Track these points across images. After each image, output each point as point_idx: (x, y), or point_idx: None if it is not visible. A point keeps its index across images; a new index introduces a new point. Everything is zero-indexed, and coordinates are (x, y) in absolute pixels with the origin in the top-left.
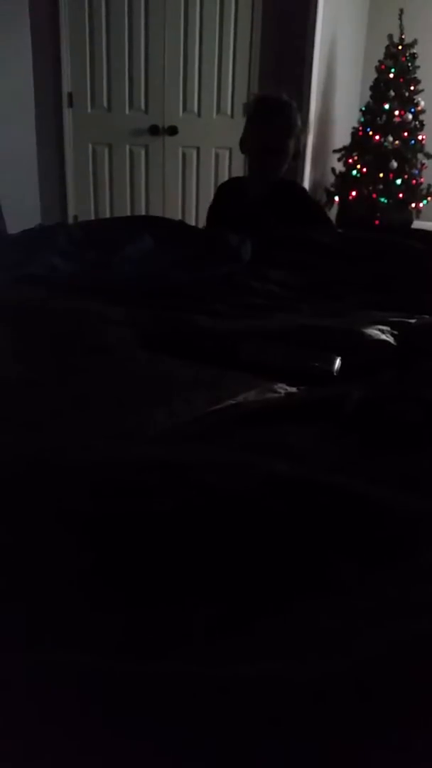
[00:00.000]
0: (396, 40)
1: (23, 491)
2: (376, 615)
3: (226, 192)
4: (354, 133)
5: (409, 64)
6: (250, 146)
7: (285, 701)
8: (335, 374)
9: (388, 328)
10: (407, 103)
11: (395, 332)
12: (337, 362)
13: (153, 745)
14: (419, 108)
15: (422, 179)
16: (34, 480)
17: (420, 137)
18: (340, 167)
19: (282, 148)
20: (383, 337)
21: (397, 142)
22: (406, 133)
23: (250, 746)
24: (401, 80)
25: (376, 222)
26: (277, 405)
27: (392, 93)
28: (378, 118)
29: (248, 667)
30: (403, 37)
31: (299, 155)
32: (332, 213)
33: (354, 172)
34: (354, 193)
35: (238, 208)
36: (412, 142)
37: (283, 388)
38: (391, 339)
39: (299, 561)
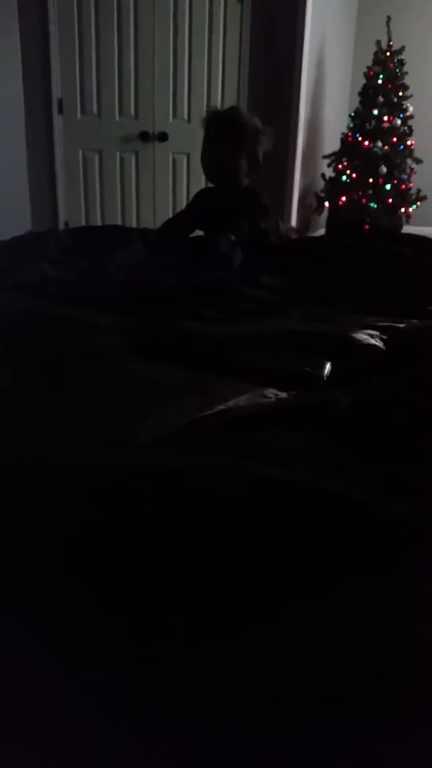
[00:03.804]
0: (384, 46)
1: (16, 499)
2: (365, 618)
3: (201, 199)
4: (343, 139)
5: (398, 70)
6: (203, 165)
7: (276, 705)
8: (325, 379)
9: (378, 333)
10: (396, 108)
11: (384, 337)
12: (327, 367)
13: (151, 748)
14: (408, 113)
15: (411, 184)
16: (27, 488)
17: (409, 142)
18: (329, 173)
19: (230, 167)
20: (372, 341)
21: (386, 147)
22: (395, 139)
23: (244, 749)
24: (390, 86)
25: (366, 227)
26: (267, 410)
27: (381, 99)
28: (367, 124)
29: (239, 672)
30: (391, 43)
31: (258, 166)
32: (322, 218)
33: (344, 178)
34: (344, 199)
35: (209, 214)
36: (401, 147)
37: (273, 393)
38: (380, 343)
39: (289, 565)
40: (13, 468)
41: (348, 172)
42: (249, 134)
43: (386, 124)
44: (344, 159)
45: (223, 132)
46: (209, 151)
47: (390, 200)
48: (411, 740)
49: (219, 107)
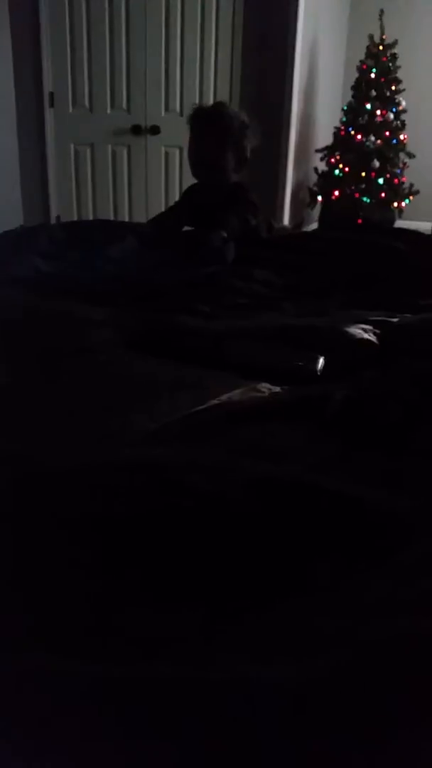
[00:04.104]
0: (377, 40)
1: (11, 495)
2: (361, 613)
3: (189, 196)
4: (336, 133)
5: (390, 64)
6: (190, 161)
7: (273, 702)
8: (319, 373)
9: (371, 327)
10: (389, 102)
11: (378, 331)
12: (321, 361)
13: (149, 748)
14: (401, 107)
15: (404, 178)
16: (22, 484)
17: (402, 136)
18: (322, 167)
19: (216, 163)
20: (366, 336)
21: (379, 141)
22: (387, 133)
23: (241, 746)
24: (382, 80)
25: (359, 221)
26: (261, 405)
27: (374, 93)
28: (360, 118)
29: (237, 669)
30: (384, 37)
31: (246, 162)
32: (315, 212)
33: (336, 172)
34: (337, 193)
35: (197, 212)
36: (394, 141)
37: (267, 388)
38: (373, 338)
39: (283, 561)
40: (7, 464)
41: (341, 166)
42: (235, 130)
43: (379, 118)
44: (337, 153)
45: (208, 128)
46: (195, 147)
47: (383, 194)
48: (410, 735)
49: (210, 102)
